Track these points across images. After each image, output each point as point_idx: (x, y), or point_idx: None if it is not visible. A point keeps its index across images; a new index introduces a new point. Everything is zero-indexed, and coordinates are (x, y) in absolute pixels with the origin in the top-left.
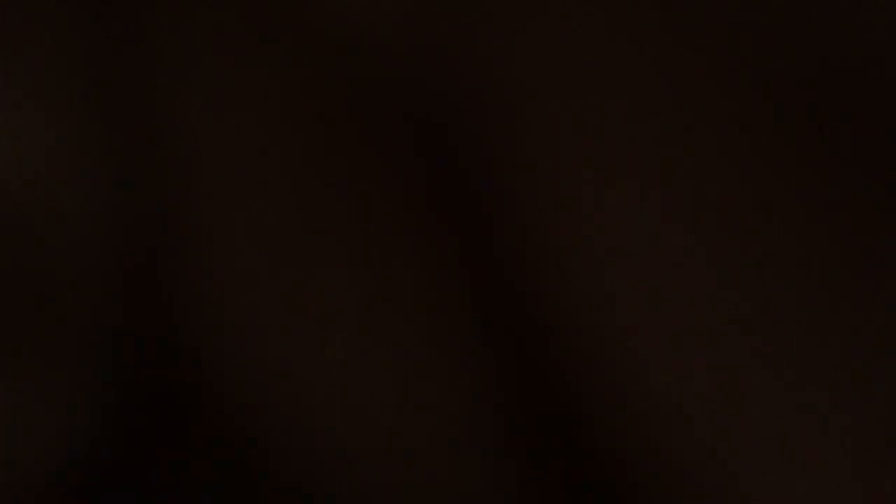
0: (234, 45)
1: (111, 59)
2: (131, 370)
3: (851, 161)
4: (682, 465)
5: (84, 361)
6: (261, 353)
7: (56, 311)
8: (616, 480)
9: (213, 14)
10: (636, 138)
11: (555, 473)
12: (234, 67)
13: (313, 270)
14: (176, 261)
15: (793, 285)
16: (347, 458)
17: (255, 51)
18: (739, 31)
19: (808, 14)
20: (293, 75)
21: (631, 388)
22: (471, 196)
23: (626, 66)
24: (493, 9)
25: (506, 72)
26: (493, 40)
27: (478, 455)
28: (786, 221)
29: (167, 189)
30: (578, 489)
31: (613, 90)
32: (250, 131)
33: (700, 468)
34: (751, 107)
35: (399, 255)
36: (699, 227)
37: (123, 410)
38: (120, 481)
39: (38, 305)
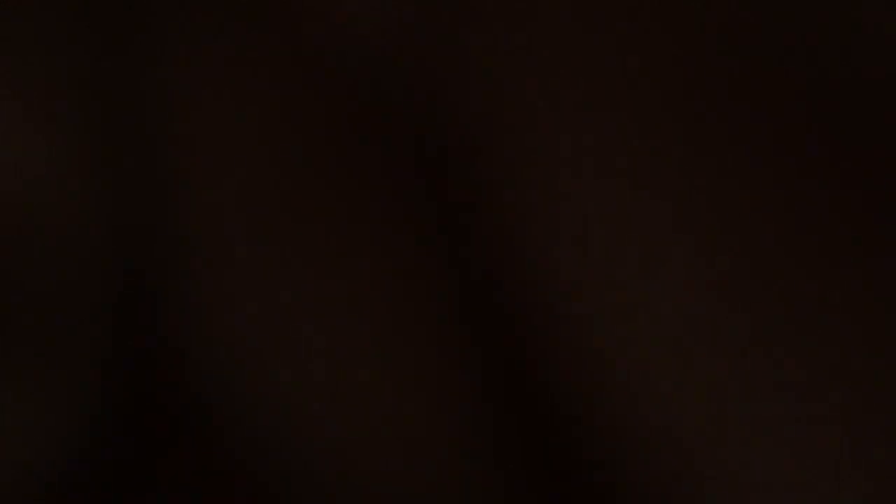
0: (228, 47)
1: (104, 62)
2: (124, 373)
3: (847, 162)
4: (671, 468)
5: (77, 364)
6: (252, 356)
7: (49, 315)
8: (601, 481)
9: (207, 17)
10: (625, 139)
11: (541, 473)
12: (227, 69)
13: (305, 274)
14: (168, 263)
15: (785, 286)
16: (338, 460)
17: (248, 53)
18: (735, 32)
19: (808, 14)
20: (285, 78)
21: (620, 390)
22: (461, 195)
23: (616, 68)
24: (483, 12)
25: (495, 73)
26: (482, 42)
27: (464, 454)
28: (779, 223)
29: (159, 192)
30: (564, 489)
31: (604, 91)
32: (243, 134)
33: (687, 471)
34: (744, 107)
35: (390, 256)
36: (689, 229)
37: (115, 413)
38: (112, 482)
39: (31, 309)
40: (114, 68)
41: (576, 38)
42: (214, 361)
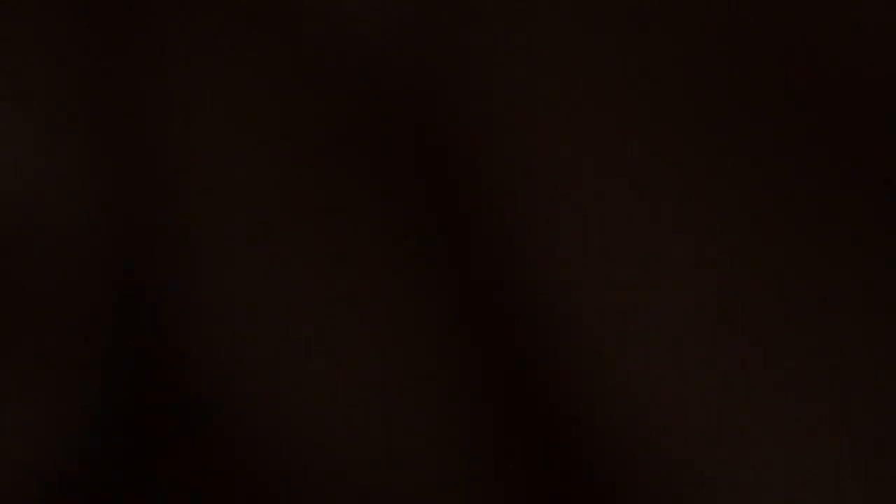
0: (228, 47)
1: (104, 62)
2: (124, 373)
3: (847, 162)
4: (671, 468)
5: (77, 364)
6: (252, 356)
7: (49, 315)
8: (601, 481)
9: (207, 17)
10: (625, 139)
11: (541, 473)
12: (227, 69)
13: (305, 274)
14: (168, 263)
15: (784, 286)
16: (338, 460)
17: (248, 53)
18: (735, 32)
19: (808, 14)
20: (285, 78)
21: (620, 390)
22: (461, 195)
23: (616, 68)
24: (483, 12)
25: (495, 73)
26: (482, 42)
27: (464, 454)
28: (779, 223)
29: (159, 192)
30: (564, 489)
31: (604, 91)
32: (243, 134)
33: (687, 471)
34: (744, 107)
35: (390, 256)
36: (689, 229)
37: (115, 413)
38: (112, 482)
39: (31, 309)
40: (114, 68)
41: (576, 38)
42: (214, 361)
